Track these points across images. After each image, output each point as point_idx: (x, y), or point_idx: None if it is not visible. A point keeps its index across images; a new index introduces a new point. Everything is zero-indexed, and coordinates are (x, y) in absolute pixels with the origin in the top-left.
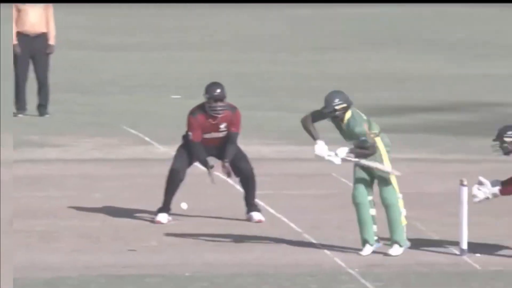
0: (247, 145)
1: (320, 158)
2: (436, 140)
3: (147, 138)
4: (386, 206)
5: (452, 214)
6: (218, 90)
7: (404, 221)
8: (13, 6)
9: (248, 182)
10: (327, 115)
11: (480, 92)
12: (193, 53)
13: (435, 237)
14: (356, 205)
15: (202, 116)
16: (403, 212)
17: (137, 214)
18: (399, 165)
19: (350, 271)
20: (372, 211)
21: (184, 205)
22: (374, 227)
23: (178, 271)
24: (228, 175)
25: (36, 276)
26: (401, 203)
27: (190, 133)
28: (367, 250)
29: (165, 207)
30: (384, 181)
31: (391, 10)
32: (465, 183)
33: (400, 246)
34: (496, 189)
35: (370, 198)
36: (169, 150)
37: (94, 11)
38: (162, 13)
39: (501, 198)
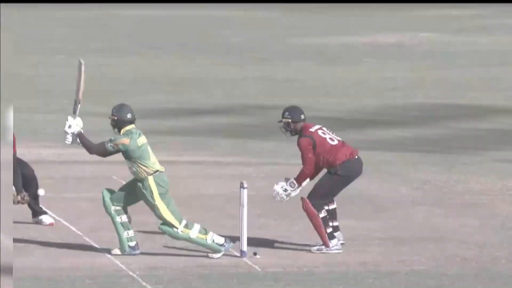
0: (27, 148)
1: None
2: (215, 143)
3: None
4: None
5: (232, 216)
6: None
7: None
8: None
9: (32, 186)
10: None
11: (259, 95)
12: None
13: None
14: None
15: None
16: (181, 226)
17: None
18: (179, 167)
19: (131, 273)
20: (121, 218)
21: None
22: (126, 233)
23: None
24: (23, 203)
25: None
26: (173, 220)
27: None
28: (115, 251)
29: None
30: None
31: (172, 14)
32: (245, 185)
33: (219, 251)
34: (292, 179)
35: (115, 208)
36: None
37: None
38: None
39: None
